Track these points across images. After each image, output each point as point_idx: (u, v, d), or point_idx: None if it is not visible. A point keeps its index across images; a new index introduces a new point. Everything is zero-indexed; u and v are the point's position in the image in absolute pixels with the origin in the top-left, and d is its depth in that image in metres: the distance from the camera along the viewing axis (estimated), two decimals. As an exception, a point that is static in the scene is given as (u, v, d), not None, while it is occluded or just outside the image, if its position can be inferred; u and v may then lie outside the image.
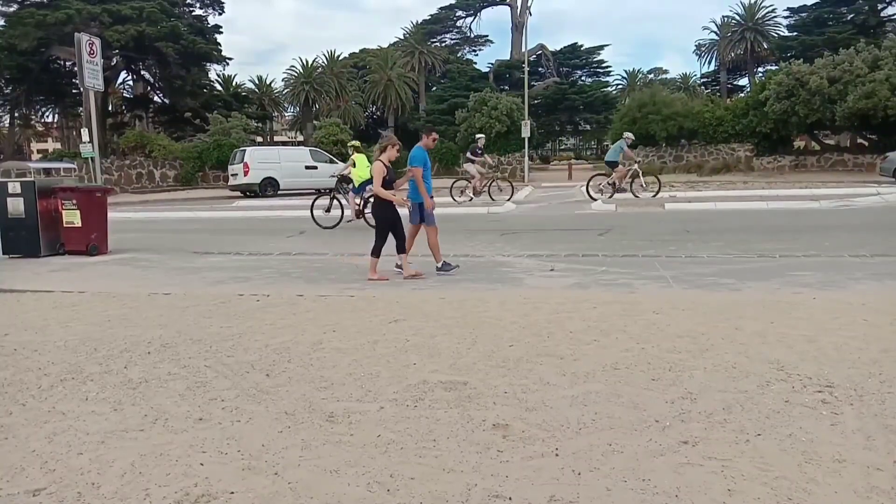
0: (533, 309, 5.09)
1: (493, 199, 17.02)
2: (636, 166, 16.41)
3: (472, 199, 17.04)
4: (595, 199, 16.18)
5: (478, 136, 18.56)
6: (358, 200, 11.94)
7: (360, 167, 12.00)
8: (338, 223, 12.39)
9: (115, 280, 7.42)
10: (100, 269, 8.27)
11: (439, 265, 7.12)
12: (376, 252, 6.87)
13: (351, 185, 12.32)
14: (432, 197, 7.13)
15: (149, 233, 12.77)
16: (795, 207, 13.29)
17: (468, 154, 17.77)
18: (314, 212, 12.66)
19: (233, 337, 4.55)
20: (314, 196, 13.19)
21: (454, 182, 18.61)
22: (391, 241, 6.93)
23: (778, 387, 3.28)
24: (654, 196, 16.12)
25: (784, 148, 27.71)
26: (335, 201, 12.69)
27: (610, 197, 16.09)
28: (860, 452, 2.55)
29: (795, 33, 42.46)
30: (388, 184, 6.85)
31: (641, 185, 16.43)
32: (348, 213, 12.39)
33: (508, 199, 17.07)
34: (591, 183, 17.08)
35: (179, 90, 36.28)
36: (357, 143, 13.48)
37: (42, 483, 2.51)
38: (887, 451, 2.55)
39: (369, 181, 12.28)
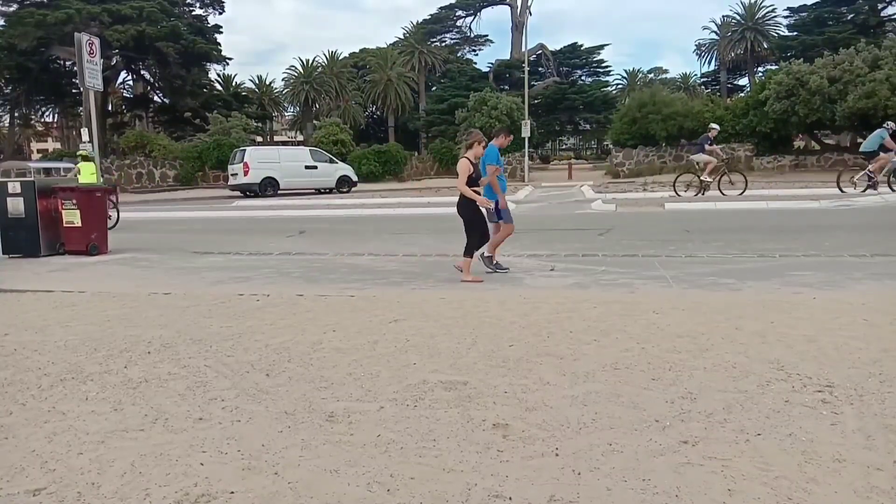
0: (533, 309, 5.09)
1: (723, 194, 15.46)
2: None
3: (698, 194, 15.72)
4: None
5: (711, 125, 16.79)
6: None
7: (85, 175, 12.86)
8: None
9: (115, 280, 7.42)
10: (100, 269, 8.27)
11: (493, 262, 7.08)
12: (469, 252, 6.67)
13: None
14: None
15: (149, 233, 12.77)
16: (795, 207, 13.29)
17: (704, 144, 16.06)
18: None
19: (233, 337, 4.55)
20: None
21: (678, 175, 17.16)
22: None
23: (778, 387, 3.27)
24: None
25: (784, 148, 27.72)
26: None
27: (864, 191, 14.90)
28: (860, 452, 2.55)
29: (795, 33, 42.49)
30: (473, 181, 6.61)
31: None
32: None
33: (742, 193, 15.39)
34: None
35: (179, 90, 36.30)
36: (85, 152, 13.89)
37: (42, 483, 2.51)
38: (887, 451, 2.55)
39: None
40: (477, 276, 6.72)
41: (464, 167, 6.56)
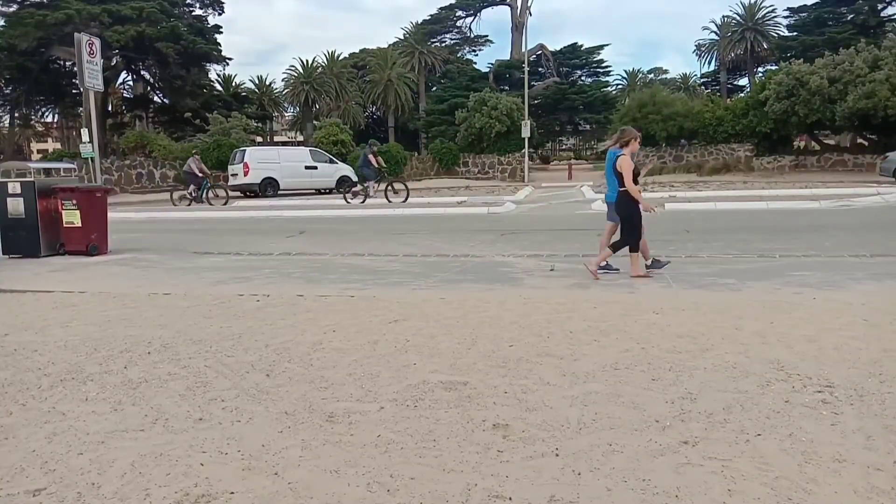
0: (533, 309, 5.09)
1: None
2: None
3: None
4: None
5: None
6: None
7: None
8: None
9: (115, 280, 7.42)
10: (100, 269, 8.27)
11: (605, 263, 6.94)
12: (635, 248, 6.52)
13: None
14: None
15: (149, 233, 12.77)
16: (795, 207, 13.29)
17: None
18: None
19: (233, 337, 4.55)
20: None
21: None
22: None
23: (778, 387, 3.28)
24: None
25: (784, 148, 27.72)
26: None
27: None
28: (860, 452, 2.55)
29: (795, 33, 42.53)
30: (633, 178, 6.45)
31: None
32: None
33: None
34: None
35: (179, 90, 36.27)
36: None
37: (42, 483, 2.51)
38: (887, 451, 2.55)
39: None
40: (637, 272, 6.52)
41: (627, 165, 6.38)
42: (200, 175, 20.22)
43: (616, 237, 6.82)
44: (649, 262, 6.83)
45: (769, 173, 25.67)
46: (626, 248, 6.64)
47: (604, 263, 6.83)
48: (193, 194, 20.19)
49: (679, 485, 2.34)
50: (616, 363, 3.71)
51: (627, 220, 6.52)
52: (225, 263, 8.48)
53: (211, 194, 20.55)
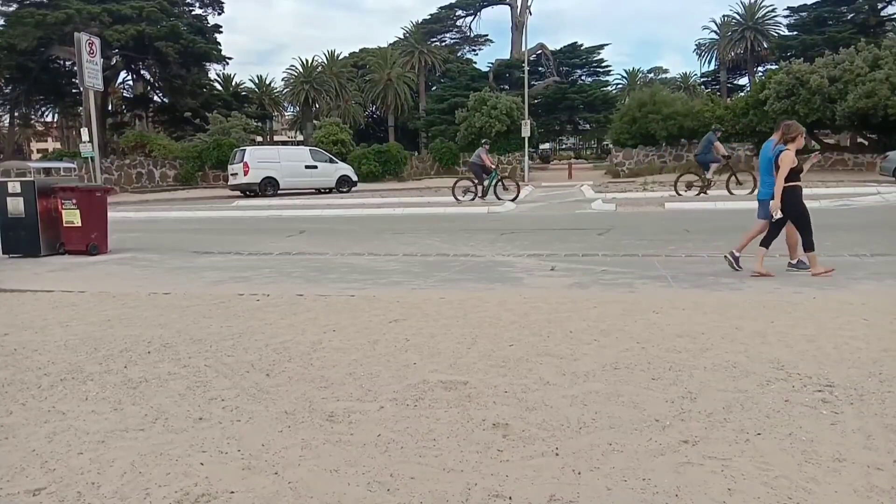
0: (533, 309, 5.09)
1: None
2: None
3: None
4: None
5: None
6: None
7: None
8: None
9: (115, 280, 7.42)
10: (100, 269, 8.27)
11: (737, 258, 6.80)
12: (809, 246, 6.32)
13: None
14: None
15: (149, 233, 12.77)
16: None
17: None
18: None
19: (233, 336, 4.55)
20: None
21: None
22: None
23: (778, 386, 3.28)
24: None
25: (784, 147, 27.67)
26: None
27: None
28: (860, 452, 2.55)
29: (795, 33, 42.55)
30: (795, 175, 6.20)
31: None
32: None
33: None
34: None
35: (179, 90, 36.30)
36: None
37: (42, 483, 2.51)
38: (887, 451, 2.55)
39: None
40: (817, 267, 6.33)
41: (789, 161, 6.16)
42: (491, 166, 17.66)
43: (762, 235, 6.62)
44: (794, 262, 6.70)
45: (769, 173, 25.64)
46: (761, 245, 6.52)
47: (795, 261, 6.67)
48: (477, 188, 17.48)
49: (679, 484, 2.34)
50: (616, 363, 3.71)
51: (800, 217, 6.31)
52: (225, 263, 8.48)
53: (500, 187, 17.97)
